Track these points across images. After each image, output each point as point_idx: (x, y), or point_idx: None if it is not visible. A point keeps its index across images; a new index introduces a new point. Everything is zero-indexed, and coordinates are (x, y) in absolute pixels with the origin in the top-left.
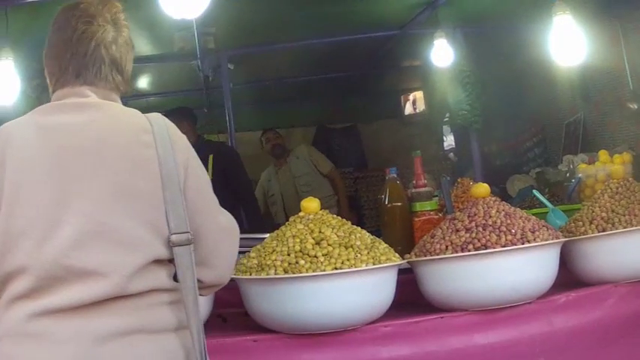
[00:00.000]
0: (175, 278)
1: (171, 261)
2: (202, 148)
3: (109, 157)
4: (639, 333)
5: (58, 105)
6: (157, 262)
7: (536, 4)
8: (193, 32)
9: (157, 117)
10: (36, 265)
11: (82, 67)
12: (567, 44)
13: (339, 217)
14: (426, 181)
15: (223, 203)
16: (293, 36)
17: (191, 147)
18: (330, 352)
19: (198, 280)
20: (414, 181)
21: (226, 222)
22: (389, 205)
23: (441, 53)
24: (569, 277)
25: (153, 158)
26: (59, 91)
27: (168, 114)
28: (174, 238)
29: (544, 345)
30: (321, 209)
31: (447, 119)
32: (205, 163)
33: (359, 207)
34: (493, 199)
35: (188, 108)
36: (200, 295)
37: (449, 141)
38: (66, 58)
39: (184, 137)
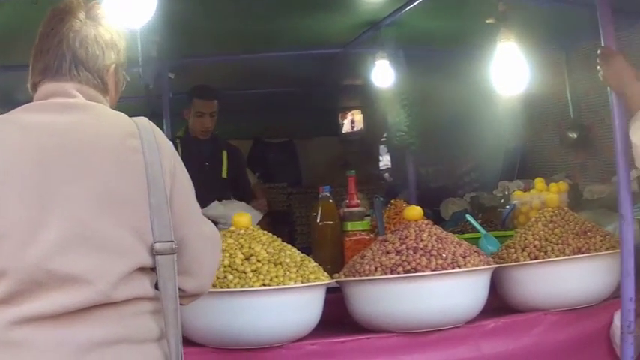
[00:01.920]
0: (157, 286)
1: (153, 269)
2: (216, 143)
3: (94, 161)
4: None
5: (43, 104)
6: (141, 269)
7: (480, 29)
8: (137, 40)
9: (144, 121)
10: (17, 268)
11: (47, 63)
12: (510, 71)
13: (270, 234)
14: (359, 201)
15: None
16: (236, 49)
17: (176, 153)
18: None
19: (180, 289)
20: (347, 201)
21: (210, 231)
22: (321, 224)
23: (382, 73)
24: (499, 302)
25: (140, 163)
26: (42, 87)
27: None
28: (157, 246)
29: None
30: None
31: (384, 139)
32: (220, 159)
33: (291, 223)
34: (425, 222)
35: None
36: (180, 304)
37: (385, 161)
38: (39, 54)
39: (170, 143)
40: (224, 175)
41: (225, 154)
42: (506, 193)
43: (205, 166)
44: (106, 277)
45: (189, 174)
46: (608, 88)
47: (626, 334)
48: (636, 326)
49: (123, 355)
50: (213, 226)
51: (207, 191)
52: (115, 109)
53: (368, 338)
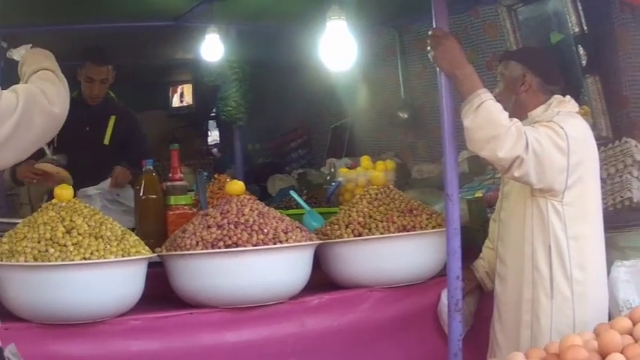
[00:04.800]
0: None
1: None
2: (106, 108)
3: None
4: (393, 337)
5: None
6: None
7: (312, 7)
8: None
9: None
10: None
11: None
12: (338, 49)
13: (92, 207)
14: (182, 175)
15: None
16: (68, 19)
17: None
18: (80, 344)
19: None
20: (170, 175)
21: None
22: (143, 197)
23: (213, 48)
24: (325, 279)
25: None
26: None
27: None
28: None
29: (296, 345)
30: None
31: (213, 114)
32: (104, 124)
33: None
34: (247, 197)
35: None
36: None
37: (214, 136)
38: None
39: None
40: (105, 141)
41: (113, 119)
42: (333, 170)
43: (85, 130)
44: None
45: (66, 138)
46: (438, 69)
47: (453, 312)
48: (464, 304)
49: None
50: None
51: (86, 156)
52: None
53: (191, 314)
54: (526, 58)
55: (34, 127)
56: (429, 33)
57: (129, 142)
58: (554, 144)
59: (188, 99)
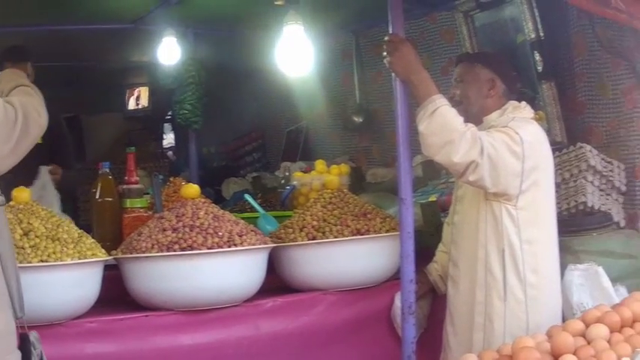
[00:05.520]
0: None
1: None
2: None
3: None
4: (347, 340)
5: None
6: None
7: (270, 11)
8: None
9: None
10: None
11: None
12: (295, 54)
13: (49, 210)
14: (137, 178)
15: None
16: (26, 20)
17: None
18: None
19: None
20: (126, 177)
21: None
22: (100, 200)
23: (169, 51)
24: (280, 282)
25: None
26: None
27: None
28: None
29: (250, 348)
30: None
31: (169, 117)
32: None
33: (74, 200)
34: (202, 200)
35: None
36: None
37: (169, 139)
38: None
39: None
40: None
41: None
42: (287, 173)
43: None
44: None
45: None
46: (393, 74)
47: (407, 315)
48: (418, 307)
49: None
50: None
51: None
52: None
53: (147, 316)
54: (495, 63)
55: (30, 136)
56: (385, 39)
57: (56, 141)
58: (509, 149)
59: (144, 102)
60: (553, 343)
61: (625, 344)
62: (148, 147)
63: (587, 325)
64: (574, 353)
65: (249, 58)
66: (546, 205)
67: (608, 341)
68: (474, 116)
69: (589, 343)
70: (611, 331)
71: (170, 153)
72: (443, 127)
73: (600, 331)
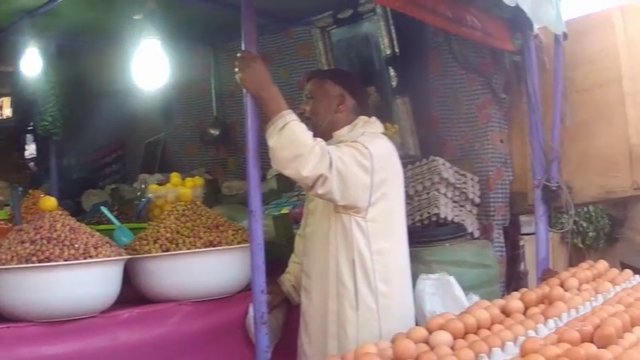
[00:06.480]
0: None
1: None
2: None
3: None
4: (203, 350)
5: None
6: None
7: (130, 24)
8: None
9: None
10: None
11: None
12: (151, 67)
13: None
14: None
15: None
16: None
17: None
18: None
19: None
20: None
21: None
22: None
23: (32, 62)
24: (138, 294)
25: None
26: None
27: None
28: None
29: (110, 358)
30: None
31: (31, 128)
32: None
33: None
34: (60, 212)
35: None
36: None
37: (31, 150)
38: None
39: None
40: None
41: None
42: (143, 186)
43: None
44: None
45: None
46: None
47: (259, 325)
48: (272, 317)
49: None
50: None
51: None
52: None
53: (8, 327)
54: (344, 79)
55: None
56: (238, 55)
57: None
58: (358, 163)
59: (7, 112)
60: (395, 349)
61: (468, 350)
62: (11, 158)
63: (431, 332)
64: (416, 359)
65: (111, 70)
66: (396, 217)
67: (452, 347)
68: (324, 131)
69: (432, 349)
70: (455, 338)
71: (32, 164)
72: (292, 141)
73: (443, 337)
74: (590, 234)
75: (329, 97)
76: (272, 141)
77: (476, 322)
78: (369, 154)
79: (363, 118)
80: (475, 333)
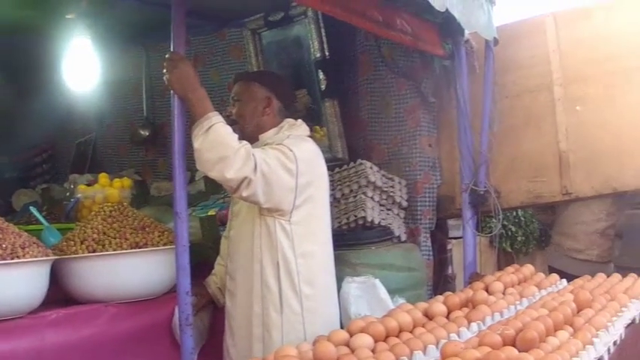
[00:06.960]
0: None
1: None
2: None
3: None
4: (130, 351)
5: None
6: None
7: (63, 23)
8: None
9: None
10: None
11: None
12: (82, 66)
13: None
14: None
15: None
16: None
17: None
18: None
19: None
20: None
21: None
22: None
23: None
24: (63, 294)
25: None
26: None
27: None
28: None
29: (36, 359)
30: None
31: None
32: None
33: None
34: None
35: None
36: None
37: None
38: None
39: None
40: None
41: None
42: (72, 186)
43: None
44: None
45: None
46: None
47: (184, 327)
48: (198, 319)
49: None
50: None
51: None
52: None
53: None
54: (271, 82)
55: None
56: (166, 56)
57: None
58: (283, 165)
59: None
60: (315, 351)
61: (389, 353)
62: None
63: (352, 335)
64: None
65: (42, 68)
66: (321, 220)
67: (373, 350)
68: (250, 134)
69: (353, 352)
70: (376, 341)
71: None
72: (217, 143)
73: (364, 340)
74: (519, 238)
75: (255, 99)
76: (197, 143)
77: (398, 325)
78: (293, 157)
79: (289, 120)
80: (397, 336)
